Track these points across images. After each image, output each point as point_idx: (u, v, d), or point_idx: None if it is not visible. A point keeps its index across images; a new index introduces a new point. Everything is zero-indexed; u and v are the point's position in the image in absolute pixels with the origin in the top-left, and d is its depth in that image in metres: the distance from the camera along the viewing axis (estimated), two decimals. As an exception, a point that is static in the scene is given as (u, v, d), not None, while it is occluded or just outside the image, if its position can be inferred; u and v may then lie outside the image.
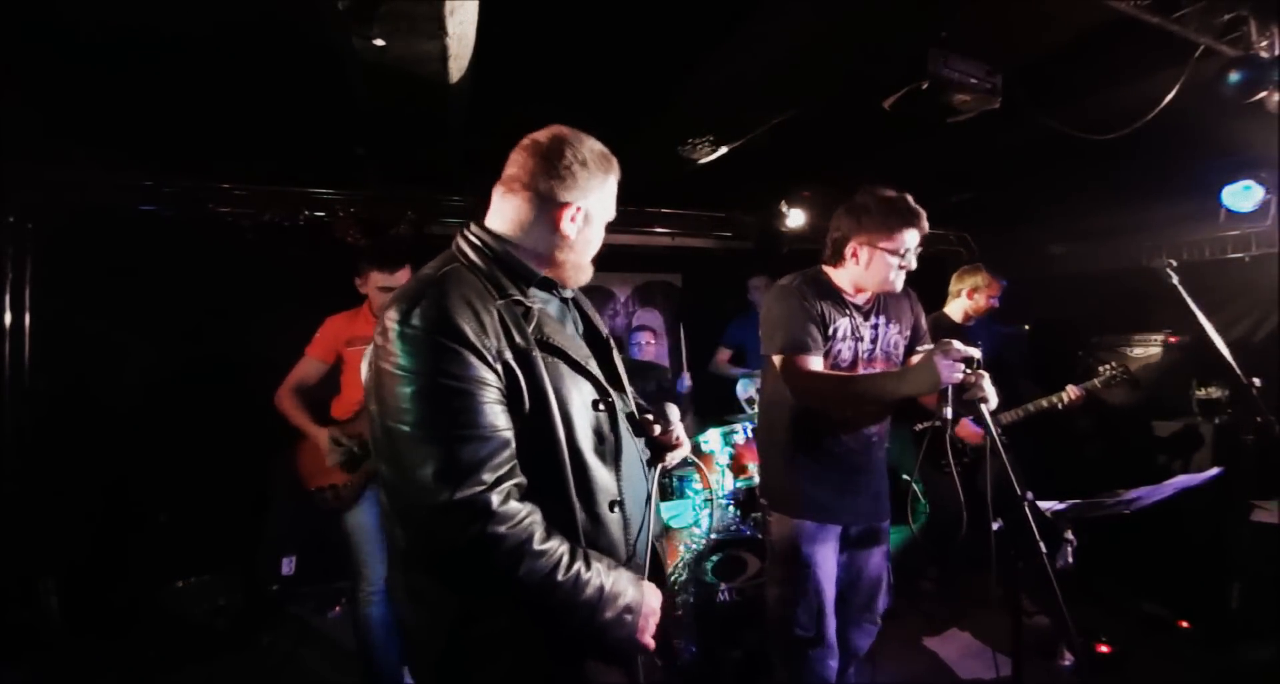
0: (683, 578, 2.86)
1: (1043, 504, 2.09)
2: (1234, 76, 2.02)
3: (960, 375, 1.64)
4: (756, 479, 3.04)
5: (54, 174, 3.14)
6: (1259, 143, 2.77)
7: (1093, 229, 4.38)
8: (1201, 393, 3.43)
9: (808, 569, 1.99)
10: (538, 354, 1.12)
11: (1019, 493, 1.50)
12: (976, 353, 1.65)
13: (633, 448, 1.28)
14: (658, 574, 1.30)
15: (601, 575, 1.10)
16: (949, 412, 1.66)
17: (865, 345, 2.04)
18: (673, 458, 1.42)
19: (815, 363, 1.93)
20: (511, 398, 1.08)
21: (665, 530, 3.09)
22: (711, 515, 3.19)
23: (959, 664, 2.97)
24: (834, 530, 2.04)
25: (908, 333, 2.14)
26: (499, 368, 1.07)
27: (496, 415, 1.05)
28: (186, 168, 3.31)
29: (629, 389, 1.38)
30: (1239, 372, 2.36)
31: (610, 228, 1.35)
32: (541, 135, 1.23)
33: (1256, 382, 2.39)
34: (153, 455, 3.41)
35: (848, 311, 2.02)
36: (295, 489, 2.58)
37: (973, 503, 1.76)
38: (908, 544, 3.35)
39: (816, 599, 1.98)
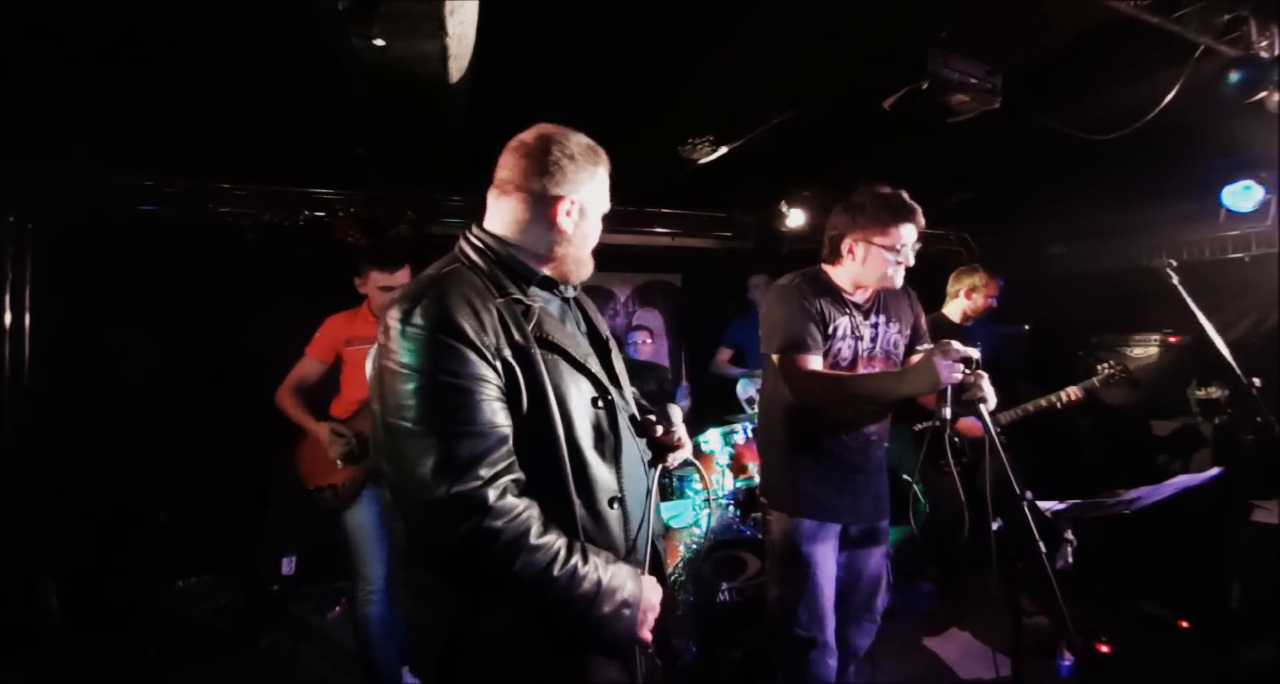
0: (683, 578, 2.86)
1: (1043, 504, 2.08)
2: (1234, 76, 2.02)
3: (959, 376, 1.64)
4: (756, 479, 3.05)
5: (54, 174, 3.14)
6: (1259, 143, 2.77)
7: (1093, 229, 4.38)
8: (1201, 393, 3.44)
9: (808, 569, 1.99)
10: (537, 351, 1.13)
11: (1018, 493, 1.50)
12: (975, 353, 1.65)
13: (633, 446, 1.29)
14: (658, 571, 1.31)
15: (599, 570, 1.11)
16: (947, 412, 1.66)
17: (865, 344, 2.04)
18: (674, 459, 1.43)
19: (815, 362, 1.93)
20: (511, 395, 1.10)
21: (665, 530, 3.09)
22: (711, 515, 3.20)
23: (959, 664, 2.97)
24: (834, 530, 2.05)
25: (908, 332, 2.14)
26: (498, 365, 1.08)
27: (495, 412, 1.07)
28: (186, 168, 3.31)
29: (630, 389, 1.39)
30: (1239, 372, 2.36)
31: (610, 228, 1.36)
32: (527, 135, 1.25)
33: (1256, 381, 2.39)
34: (153, 455, 3.41)
35: (847, 310, 2.02)
36: (295, 489, 2.58)
37: (972, 503, 1.76)
38: (908, 544, 3.35)
39: (816, 599, 1.98)
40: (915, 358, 2.11)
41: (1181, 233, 3.86)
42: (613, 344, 1.40)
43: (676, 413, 1.42)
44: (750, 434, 3.34)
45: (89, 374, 3.34)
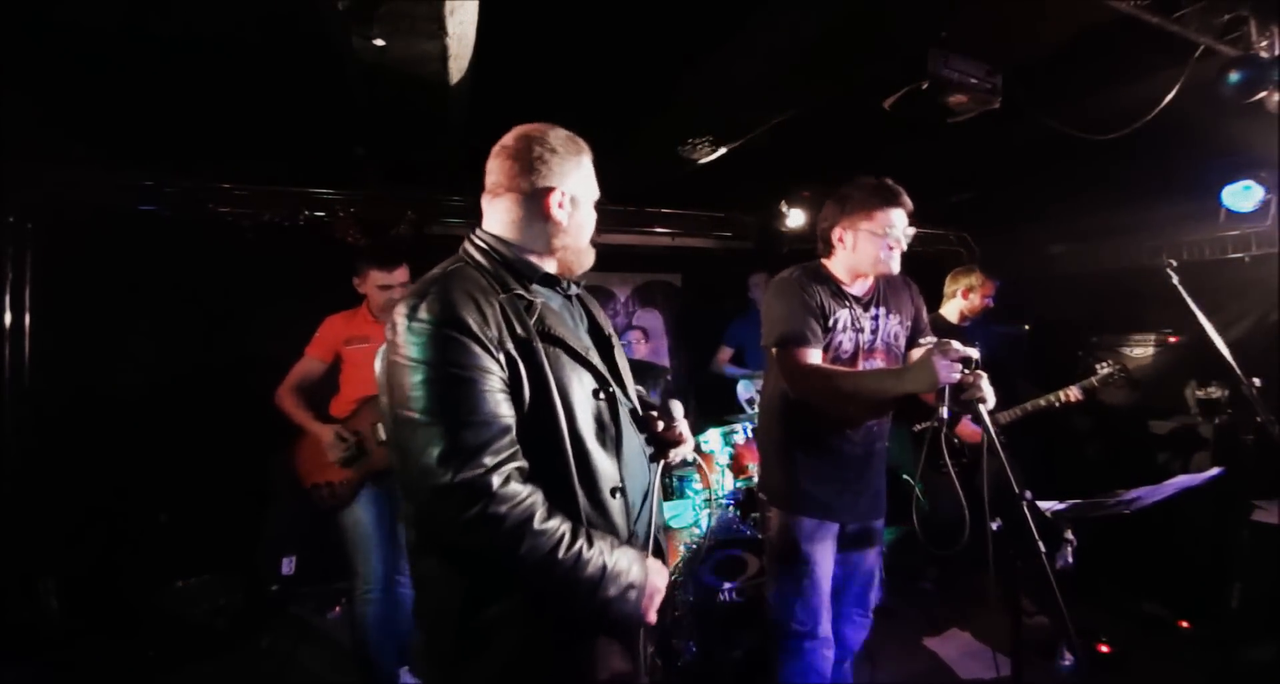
0: (682, 578, 2.86)
1: (1042, 504, 2.08)
2: (1234, 76, 2.02)
3: (958, 375, 1.64)
4: (756, 479, 3.04)
5: (54, 174, 3.14)
6: (1259, 143, 2.77)
7: (1093, 229, 4.38)
8: (1201, 393, 3.43)
9: (806, 566, 2.00)
10: (539, 344, 1.16)
11: (1018, 493, 1.50)
12: (975, 353, 1.65)
13: (634, 439, 1.32)
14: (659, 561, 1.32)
15: (604, 554, 1.14)
16: (945, 411, 1.66)
17: (866, 336, 2.04)
18: (676, 454, 1.44)
19: (814, 356, 1.94)
20: (514, 387, 1.13)
21: (665, 530, 3.09)
22: (711, 515, 3.20)
23: (959, 664, 2.97)
24: (832, 528, 2.05)
25: (908, 324, 2.14)
26: (501, 358, 1.12)
27: (499, 403, 1.10)
28: (186, 168, 3.32)
29: (632, 385, 1.41)
30: (1239, 372, 2.35)
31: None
32: (508, 138, 1.29)
33: (1256, 381, 2.39)
34: (153, 455, 3.41)
35: (847, 303, 2.03)
36: (294, 488, 2.58)
37: (972, 503, 1.76)
38: (908, 544, 3.35)
39: (814, 595, 2.00)
40: (916, 352, 2.12)
41: (1181, 233, 3.85)
42: (615, 340, 1.43)
43: (678, 408, 1.43)
44: (750, 434, 3.34)
45: (89, 374, 3.34)
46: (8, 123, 2.59)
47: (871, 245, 1.96)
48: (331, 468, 2.48)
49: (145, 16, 2.00)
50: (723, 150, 2.99)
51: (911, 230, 1.98)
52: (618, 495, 1.23)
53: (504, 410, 1.10)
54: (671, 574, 2.84)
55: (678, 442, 1.43)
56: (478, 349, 1.09)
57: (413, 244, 3.52)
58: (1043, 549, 1.48)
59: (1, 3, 1.89)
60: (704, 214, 4.56)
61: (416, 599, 1.27)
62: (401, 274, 2.58)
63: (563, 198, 1.27)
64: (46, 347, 3.23)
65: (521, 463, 1.11)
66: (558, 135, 1.28)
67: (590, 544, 1.13)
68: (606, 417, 1.24)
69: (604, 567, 1.13)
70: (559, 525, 1.10)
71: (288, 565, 3.61)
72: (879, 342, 2.07)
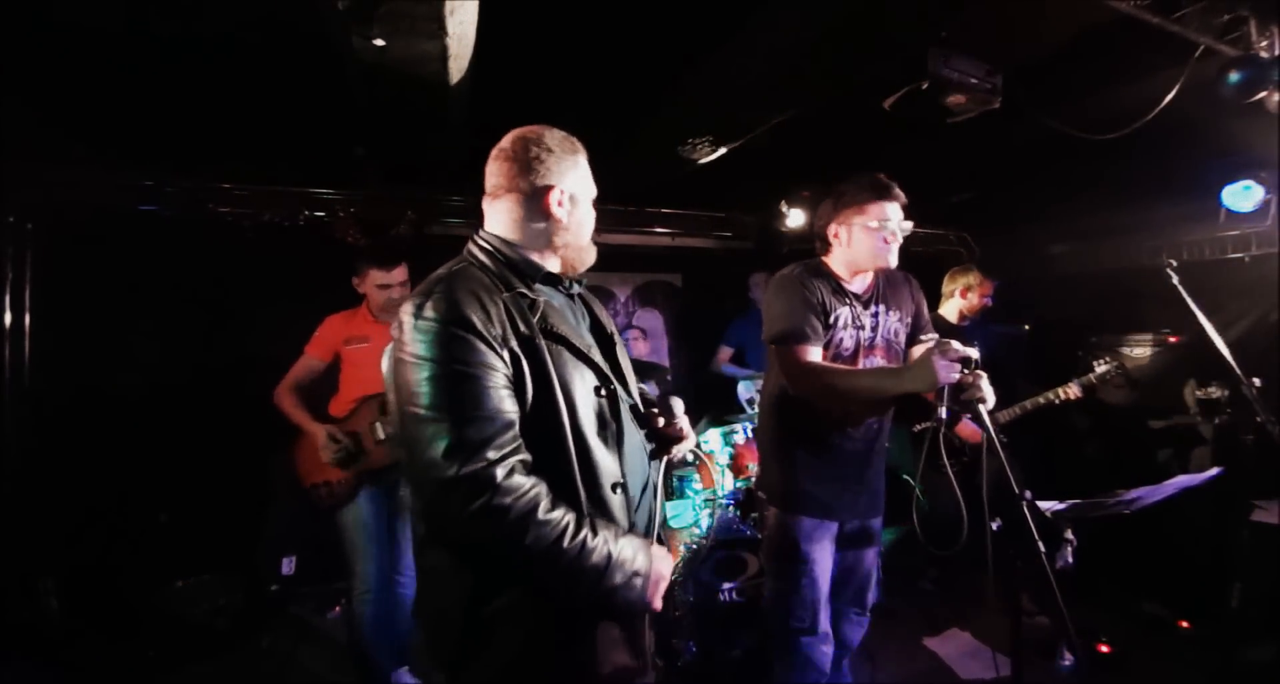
0: (682, 578, 2.86)
1: (1042, 504, 2.08)
2: (1234, 76, 2.02)
3: (957, 375, 1.64)
4: (755, 478, 3.04)
5: (54, 174, 3.14)
6: (1259, 143, 2.77)
7: (1093, 229, 4.38)
8: (1201, 393, 3.43)
9: (805, 564, 2.00)
10: (542, 341, 1.19)
11: (1018, 493, 1.50)
12: (974, 353, 1.65)
13: (635, 435, 1.34)
14: None
15: (609, 543, 1.16)
16: (944, 411, 1.66)
17: (866, 334, 2.05)
18: (678, 450, 1.46)
19: (814, 353, 1.94)
20: (517, 383, 1.15)
21: (666, 529, 3.09)
22: (712, 515, 3.20)
23: (959, 664, 2.97)
24: (831, 527, 2.06)
25: (909, 320, 2.15)
26: (505, 355, 1.14)
27: (502, 399, 1.12)
28: (186, 168, 3.31)
29: (634, 382, 1.42)
30: (1239, 372, 2.35)
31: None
32: (505, 141, 1.32)
33: (1256, 381, 2.39)
34: (153, 455, 3.41)
35: (848, 300, 2.03)
36: (294, 488, 2.58)
37: (972, 503, 1.76)
38: (908, 544, 3.35)
39: (812, 593, 2.01)
40: (917, 350, 2.12)
41: (1181, 233, 3.85)
42: (617, 338, 1.45)
43: (679, 405, 1.44)
44: (750, 434, 3.34)
45: (89, 374, 3.34)
46: (8, 123, 2.59)
47: (866, 239, 1.97)
48: (330, 468, 2.48)
49: (146, 16, 2.00)
50: (723, 150, 2.99)
51: (908, 224, 1.99)
52: (618, 491, 1.25)
53: (508, 406, 1.13)
54: (671, 573, 2.84)
55: (679, 437, 1.44)
56: (482, 346, 1.11)
57: (413, 244, 3.52)
58: (1043, 549, 1.48)
59: (1, 3, 1.89)
60: (704, 214, 4.56)
61: (421, 593, 1.28)
62: (400, 273, 2.58)
63: (562, 195, 1.29)
64: (46, 347, 3.22)
65: (525, 456, 1.13)
66: (553, 136, 1.31)
67: (594, 533, 1.15)
68: (608, 413, 1.26)
69: (609, 555, 1.15)
70: (563, 516, 1.12)
71: (288, 565, 3.61)
72: (879, 339, 2.08)
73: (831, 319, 1.98)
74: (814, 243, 2.14)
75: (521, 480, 1.10)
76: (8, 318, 3.12)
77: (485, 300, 1.16)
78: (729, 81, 2.47)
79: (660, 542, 1.35)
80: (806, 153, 3.35)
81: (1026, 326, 4.35)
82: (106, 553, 3.36)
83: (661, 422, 1.42)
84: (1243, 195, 3.12)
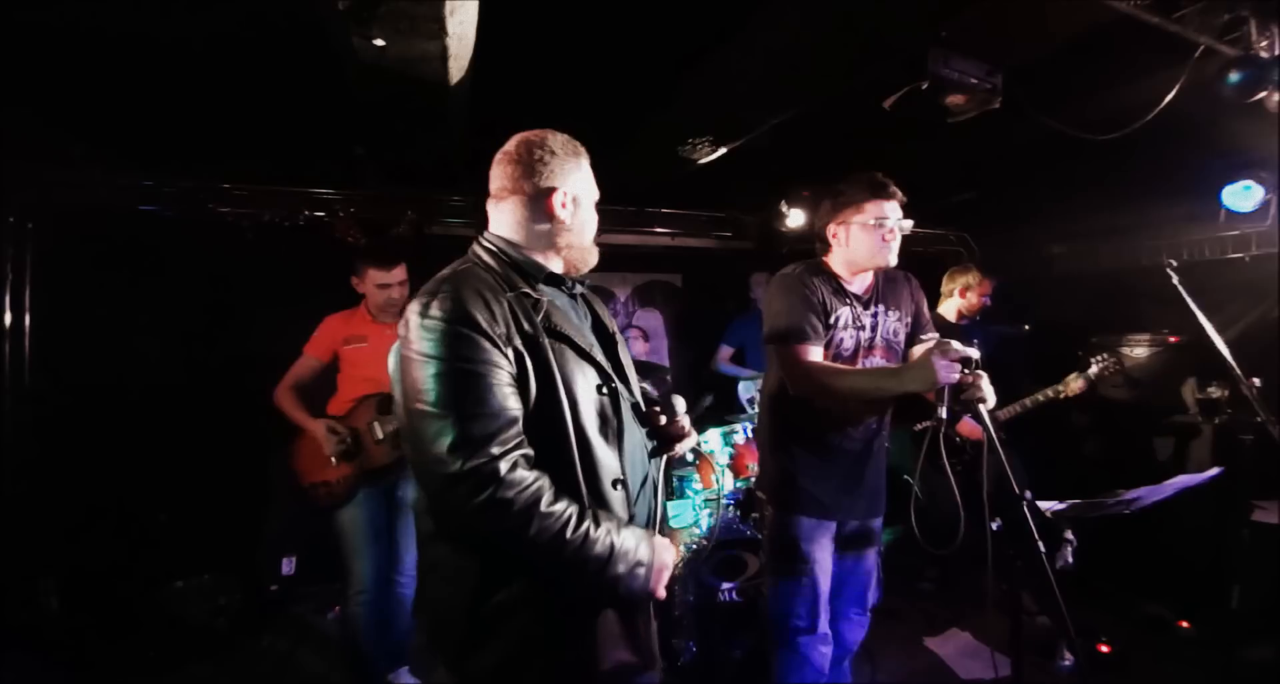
0: (683, 578, 2.85)
1: (1043, 504, 2.08)
2: (1234, 76, 2.02)
3: (957, 376, 1.64)
4: (755, 478, 3.04)
5: (54, 174, 3.15)
6: (1259, 143, 2.77)
7: (1093, 229, 4.38)
8: (1201, 393, 3.43)
9: (805, 564, 2.00)
10: (545, 340, 1.21)
11: (1018, 492, 1.50)
12: (975, 353, 1.65)
13: (636, 432, 1.36)
14: None
15: (612, 533, 1.18)
16: (944, 411, 1.66)
17: (866, 334, 2.05)
18: (681, 447, 1.47)
19: (815, 353, 1.94)
20: (521, 380, 1.18)
21: (667, 529, 3.09)
22: (712, 515, 3.20)
23: (959, 664, 2.97)
24: (831, 527, 2.06)
25: (908, 320, 2.14)
26: (509, 353, 1.17)
27: (506, 396, 1.15)
28: (186, 168, 3.31)
29: (635, 381, 1.44)
30: (1239, 372, 2.35)
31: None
32: (509, 145, 1.34)
33: (1256, 382, 2.39)
34: (152, 455, 3.41)
35: (848, 300, 2.03)
36: (293, 488, 2.58)
37: (973, 502, 1.76)
38: (908, 544, 3.34)
39: (812, 593, 2.01)
40: (917, 350, 2.12)
41: (1181, 233, 3.85)
42: (619, 338, 1.48)
43: (680, 403, 1.46)
44: (750, 434, 3.34)
45: (89, 374, 3.34)
46: (8, 123, 2.59)
47: (865, 238, 1.97)
48: (329, 467, 2.48)
49: (145, 17, 2.00)
50: (723, 150, 2.99)
51: (908, 223, 1.98)
52: (619, 487, 1.27)
53: (511, 403, 1.15)
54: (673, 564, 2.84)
55: (681, 435, 1.46)
56: (486, 344, 1.14)
57: (412, 244, 3.52)
58: (1043, 549, 1.48)
59: (2, 3, 1.89)
60: (704, 214, 4.55)
61: (425, 588, 1.30)
62: (400, 273, 2.58)
63: (565, 197, 1.32)
64: (46, 347, 3.23)
65: (527, 451, 1.16)
66: (557, 139, 1.33)
67: (597, 524, 1.17)
68: (609, 410, 1.28)
69: (612, 545, 1.17)
70: (566, 507, 1.15)
71: (288, 565, 3.61)
72: (879, 339, 2.08)
73: (832, 319, 1.98)
74: (814, 243, 2.14)
75: (524, 474, 1.13)
76: (8, 318, 3.12)
77: (490, 300, 1.18)
78: (729, 82, 2.47)
79: (661, 534, 1.36)
80: (806, 153, 3.35)
81: (1026, 326, 4.35)
82: (106, 553, 3.36)
83: (663, 419, 1.44)
84: (1243, 195, 3.12)
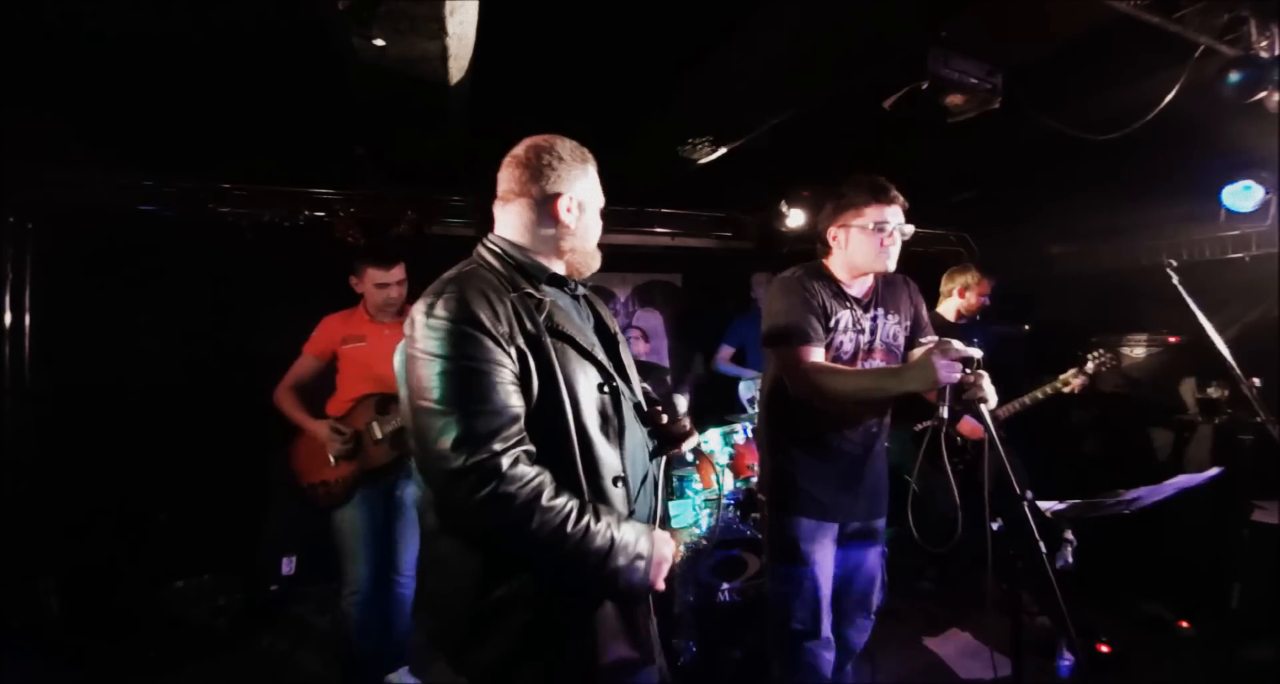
0: (683, 578, 2.85)
1: (1043, 504, 2.08)
2: (1234, 76, 2.02)
3: (958, 375, 1.63)
4: (756, 479, 3.04)
5: (54, 174, 3.14)
6: (1259, 143, 2.77)
7: (1093, 229, 4.38)
8: (1201, 393, 3.43)
9: (806, 567, 1.99)
10: (547, 339, 1.24)
11: (1018, 492, 1.50)
12: (977, 353, 1.64)
13: (637, 431, 1.39)
14: None
15: (612, 527, 1.21)
16: (945, 410, 1.65)
17: (865, 337, 2.05)
18: (683, 446, 1.49)
19: (816, 355, 1.93)
20: (523, 378, 1.21)
21: (668, 528, 3.09)
22: (712, 515, 3.20)
23: (959, 664, 2.97)
24: (831, 528, 2.05)
25: (908, 324, 2.14)
26: (512, 352, 1.19)
27: (509, 394, 1.17)
28: (187, 168, 3.31)
29: (637, 381, 1.46)
30: (1239, 372, 2.35)
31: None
32: (518, 149, 1.37)
33: (1256, 381, 2.39)
34: (153, 455, 3.41)
35: (848, 304, 2.03)
36: (293, 488, 2.58)
37: (973, 502, 1.75)
38: (907, 544, 3.34)
39: (814, 595, 2.00)
40: (917, 352, 2.12)
41: (1181, 233, 3.86)
42: (621, 338, 1.50)
43: (682, 403, 1.47)
44: (750, 434, 3.34)
45: (89, 374, 3.34)
46: (8, 123, 2.59)
47: (864, 242, 1.97)
48: (328, 467, 2.48)
49: (145, 17, 2.00)
50: (723, 150, 2.99)
51: (910, 228, 1.98)
52: (619, 484, 1.29)
53: (514, 401, 1.18)
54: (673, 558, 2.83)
55: (682, 434, 1.48)
56: (490, 343, 1.17)
57: (412, 244, 3.52)
58: (1043, 549, 1.48)
59: (2, 3, 1.89)
60: (704, 214, 4.56)
61: (428, 582, 1.32)
62: (398, 272, 2.58)
63: (570, 202, 1.35)
64: (46, 347, 3.23)
65: (529, 447, 1.18)
66: (565, 145, 1.37)
67: (597, 518, 1.19)
68: (610, 409, 1.30)
69: (612, 539, 1.19)
70: (566, 502, 1.17)
71: (288, 565, 3.61)
72: (878, 342, 2.07)
73: (832, 322, 1.98)
74: (815, 243, 2.14)
75: (526, 470, 1.15)
76: (8, 318, 3.12)
77: (493, 300, 1.21)
78: (729, 81, 2.47)
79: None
80: (806, 153, 3.35)
81: (1026, 326, 4.36)
82: (106, 553, 3.36)
83: (665, 418, 1.46)
84: (1243, 195, 3.12)
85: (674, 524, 3.20)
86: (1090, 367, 3.18)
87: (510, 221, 1.36)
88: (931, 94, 2.10)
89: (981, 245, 5.08)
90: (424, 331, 1.17)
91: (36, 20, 2.01)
